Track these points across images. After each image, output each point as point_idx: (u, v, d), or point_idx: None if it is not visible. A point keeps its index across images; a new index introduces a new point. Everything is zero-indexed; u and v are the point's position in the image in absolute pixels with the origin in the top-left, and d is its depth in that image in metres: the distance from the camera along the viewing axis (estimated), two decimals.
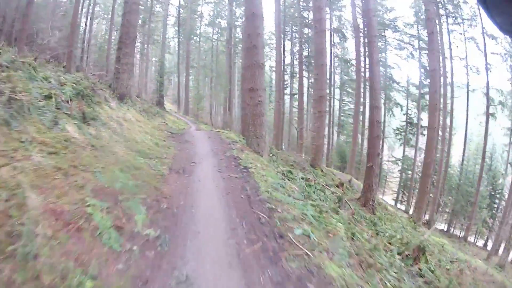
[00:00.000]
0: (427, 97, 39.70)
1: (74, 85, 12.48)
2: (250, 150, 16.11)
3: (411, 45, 48.98)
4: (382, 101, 45.93)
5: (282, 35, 47.74)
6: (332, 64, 52.01)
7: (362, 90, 45.45)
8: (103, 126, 12.04)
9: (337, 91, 55.39)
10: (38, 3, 35.60)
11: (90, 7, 45.62)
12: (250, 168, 12.33)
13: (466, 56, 41.06)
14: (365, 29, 38.02)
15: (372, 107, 21.20)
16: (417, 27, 47.06)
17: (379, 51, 32.31)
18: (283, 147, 46.31)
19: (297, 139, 39.89)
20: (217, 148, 15.69)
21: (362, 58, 45.17)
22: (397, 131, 51.00)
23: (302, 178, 16.18)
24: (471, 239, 40.68)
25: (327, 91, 34.82)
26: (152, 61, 58.50)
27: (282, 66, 46.28)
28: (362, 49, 44.01)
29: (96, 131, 10.71)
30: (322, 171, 26.14)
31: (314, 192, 15.01)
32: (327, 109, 38.39)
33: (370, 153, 20.88)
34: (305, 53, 49.74)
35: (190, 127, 33.16)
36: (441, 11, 40.09)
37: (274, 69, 56.66)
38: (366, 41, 34.00)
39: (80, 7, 39.61)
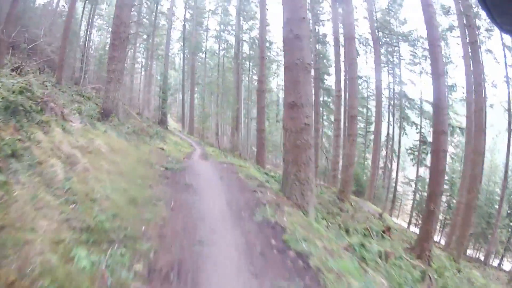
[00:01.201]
0: None
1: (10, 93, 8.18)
2: (289, 204, 9.74)
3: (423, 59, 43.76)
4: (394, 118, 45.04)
5: None
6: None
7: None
8: (29, 169, 6.22)
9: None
10: (35, 8, 34.20)
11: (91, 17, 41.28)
12: (308, 257, 6.17)
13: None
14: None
15: (437, 132, 15.29)
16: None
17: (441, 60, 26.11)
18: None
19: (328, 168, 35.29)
20: (237, 203, 9.29)
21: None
22: (410, 151, 45.03)
23: (380, 255, 9.37)
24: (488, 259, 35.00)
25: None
26: (155, 77, 51.99)
27: None
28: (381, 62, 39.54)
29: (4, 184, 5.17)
30: (351, 204, 21.99)
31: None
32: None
33: (433, 193, 15.11)
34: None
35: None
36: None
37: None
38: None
39: (80, 18, 39.13)
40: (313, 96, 38.88)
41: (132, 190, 8.53)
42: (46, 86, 19.40)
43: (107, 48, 41.24)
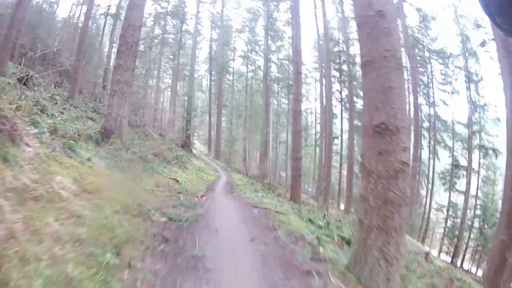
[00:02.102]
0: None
1: None
2: None
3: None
4: (426, 142, 40.40)
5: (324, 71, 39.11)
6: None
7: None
8: None
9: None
10: (54, 20, 32.65)
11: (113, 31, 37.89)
12: None
13: None
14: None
15: None
16: (465, 57, 37.61)
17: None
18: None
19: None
20: None
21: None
22: (442, 175, 41.06)
23: None
24: None
25: None
26: (181, 98, 47.93)
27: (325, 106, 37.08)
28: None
29: None
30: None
31: None
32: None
33: None
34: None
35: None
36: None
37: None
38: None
39: (101, 32, 37.52)
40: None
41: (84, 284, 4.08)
42: (56, 100, 18.13)
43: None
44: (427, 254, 17.99)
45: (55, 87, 21.84)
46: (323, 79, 39.08)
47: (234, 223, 8.86)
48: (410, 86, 34.63)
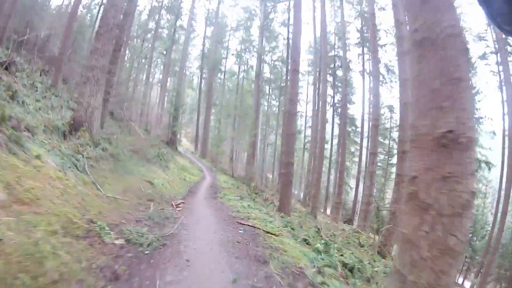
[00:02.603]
0: None
1: None
2: None
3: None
4: None
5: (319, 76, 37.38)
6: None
7: None
8: None
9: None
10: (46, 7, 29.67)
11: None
12: None
13: None
14: None
15: None
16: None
17: None
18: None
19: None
20: None
21: None
22: None
23: None
24: None
25: None
26: (170, 94, 46.05)
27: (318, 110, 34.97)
28: None
29: None
30: None
31: None
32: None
33: None
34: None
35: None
36: None
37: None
38: None
39: (94, 20, 32.51)
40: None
41: None
42: (37, 87, 16.41)
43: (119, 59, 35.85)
44: None
45: (41, 75, 19.84)
46: (318, 83, 37.38)
47: (213, 250, 6.59)
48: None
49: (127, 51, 36.41)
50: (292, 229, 11.09)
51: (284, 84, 41.28)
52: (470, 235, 34.02)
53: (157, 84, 52.49)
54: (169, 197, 11.84)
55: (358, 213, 37.54)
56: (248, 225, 9.12)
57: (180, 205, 10.67)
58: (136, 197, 9.62)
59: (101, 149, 11.75)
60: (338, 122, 40.89)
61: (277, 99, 49.59)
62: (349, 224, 32.87)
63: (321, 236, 13.15)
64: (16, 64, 16.72)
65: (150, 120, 42.29)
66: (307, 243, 9.51)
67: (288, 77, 21.45)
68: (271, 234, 8.64)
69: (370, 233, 25.39)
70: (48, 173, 7.02)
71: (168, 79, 47.66)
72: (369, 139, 38.88)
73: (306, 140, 48.84)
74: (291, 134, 18.02)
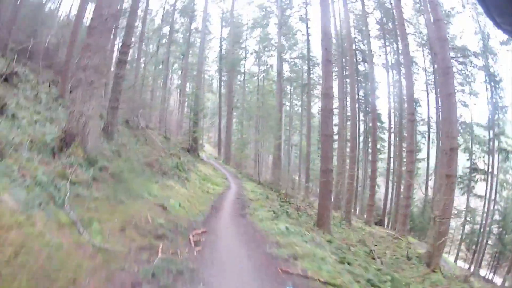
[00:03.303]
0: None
1: None
2: None
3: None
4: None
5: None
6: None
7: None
8: None
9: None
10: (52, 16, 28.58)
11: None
12: None
13: None
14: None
15: None
16: (486, 56, 33.91)
17: None
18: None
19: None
20: None
21: None
22: (459, 179, 35.21)
23: None
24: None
25: None
26: (188, 99, 43.69)
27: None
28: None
29: None
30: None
31: None
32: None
33: None
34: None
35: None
36: None
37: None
38: None
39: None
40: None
41: None
42: (41, 99, 14.79)
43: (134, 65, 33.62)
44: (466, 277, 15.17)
45: (49, 86, 18.18)
46: (341, 78, 34.70)
47: None
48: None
49: (141, 58, 34.43)
50: (349, 263, 8.31)
51: (306, 82, 39.58)
52: (500, 228, 32.21)
53: (176, 90, 51.27)
54: (187, 225, 9.14)
55: (388, 213, 36.49)
56: (298, 275, 6.28)
57: (200, 239, 7.96)
58: (139, 235, 6.88)
59: (98, 169, 9.13)
60: (363, 118, 39.30)
61: (299, 98, 47.47)
62: (380, 225, 31.64)
63: (374, 259, 10.52)
64: (19, 75, 15.14)
65: (170, 127, 40.12)
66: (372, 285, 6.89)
67: (321, 69, 18.47)
68: (332, 285, 5.82)
69: (408, 237, 23.74)
70: (4, 215, 4.41)
71: (187, 84, 45.06)
72: (396, 136, 37.21)
73: None
74: (328, 135, 15.03)
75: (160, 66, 40.45)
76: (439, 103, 27.67)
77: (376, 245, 15.76)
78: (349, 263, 8.30)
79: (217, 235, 8.96)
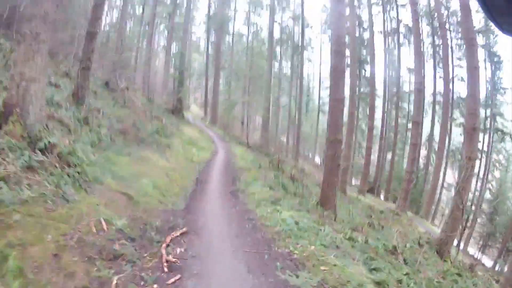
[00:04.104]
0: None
1: None
2: None
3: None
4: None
5: None
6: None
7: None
8: None
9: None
10: None
11: None
12: None
13: None
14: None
15: None
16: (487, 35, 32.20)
17: None
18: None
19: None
20: None
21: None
22: (451, 153, 35.82)
23: None
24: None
25: None
26: (173, 61, 41.52)
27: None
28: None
29: None
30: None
31: None
32: None
33: None
34: None
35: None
36: None
37: None
38: None
39: None
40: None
41: None
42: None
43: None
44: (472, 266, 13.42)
45: None
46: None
47: None
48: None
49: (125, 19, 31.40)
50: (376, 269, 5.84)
51: (300, 44, 37.74)
52: (491, 209, 31.58)
53: (162, 52, 48.00)
54: (160, 222, 6.39)
55: (379, 181, 34.74)
56: None
57: (177, 252, 5.23)
58: (83, 260, 4.12)
59: (39, 151, 6.31)
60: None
61: (288, 60, 45.02)
62: (371, 193, 30.46)
63: (394, 255, 8.07)
64: None
65: (155, 88, 37.05)
66: None
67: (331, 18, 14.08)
68: None
69: (408, 212, 22.77)
70: None
71: (173, 45, 42.22)
72: (390, 104, 35.78)
73: (321, 102, 45.42)
74: (339, 100, 11.87)
75: (147, 28, 37.30)
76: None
77: (382, 226, 13.57)
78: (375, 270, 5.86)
79: (202, 240, 6.12)
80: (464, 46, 17.72)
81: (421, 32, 28.19)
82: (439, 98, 32.22)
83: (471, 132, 13.29)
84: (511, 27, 1.01)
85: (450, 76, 28.20)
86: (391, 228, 14.13)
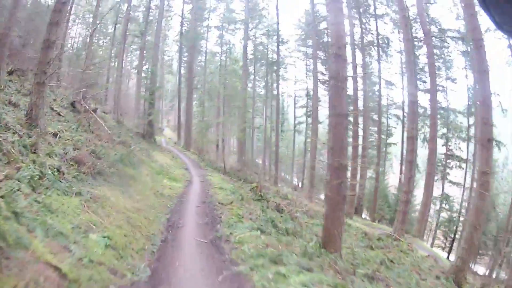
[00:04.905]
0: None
1: None
2: None
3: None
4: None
5: None
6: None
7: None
8: None
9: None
10: None
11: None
12: None
13: None
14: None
15: None
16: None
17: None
18: None
19: None
20: None
21: None
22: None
23: None
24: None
25: None
26: (147, 79, 37.84)
27: None
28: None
29: None
30: None
31: None
32: None
33: None
34: None
35: (185, 199, 13.35)
36: None
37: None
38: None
39: None
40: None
41: None
42: None
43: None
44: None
45: None
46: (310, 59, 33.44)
47: None
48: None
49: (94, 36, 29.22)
50: None
51: (275, 60, 37.07)
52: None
53: (134, 72, 45.76)
54: None
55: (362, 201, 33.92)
56: None
57: None
58: None
59: None
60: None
61: (262, 80, 43.56)
62: (357, 214, 29.71)
63: None
64: None
65: (128, 111, 35.05)
66: None
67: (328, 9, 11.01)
68: None
69: (405, 239, 19.95)
70: None
71: (145, 64, 39.25)
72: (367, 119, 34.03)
73: (296, 121, 44.01)
74: (342, 115, 9.12)
75: (119, 47, 35.17)
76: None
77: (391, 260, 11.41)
78: None
79: None
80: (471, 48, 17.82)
81: (411, 38, 26.56)
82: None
83: (485, 144, 11.93)
84: (511, 27, 0.98)
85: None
86: (402, 262, 12.23)
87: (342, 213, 9.30)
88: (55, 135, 10.66)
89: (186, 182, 16.64)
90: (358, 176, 28.80)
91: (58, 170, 8.02)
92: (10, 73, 15.21)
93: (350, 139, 28.73)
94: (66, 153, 9.45)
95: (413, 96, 21.74)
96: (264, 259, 6.68)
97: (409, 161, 20.69)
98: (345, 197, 9.27)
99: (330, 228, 9.06)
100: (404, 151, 31.34)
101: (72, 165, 9.01)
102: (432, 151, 25.20)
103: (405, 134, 30.69)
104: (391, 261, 11.27)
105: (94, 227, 6.31)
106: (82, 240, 5.59)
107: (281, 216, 12.66)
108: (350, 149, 25.51)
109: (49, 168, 7.75)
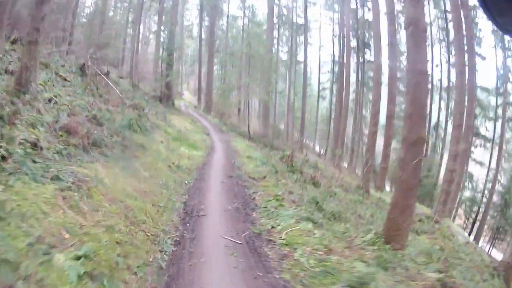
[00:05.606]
0: None
1: None
2: None
3: None
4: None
5: None
6: None
7: None
8: None
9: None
10: None
11: None
12: None
13: None
14: None
15: None
16: None
17: None
18: None
19: None
20: None
21: None
22: None
23: None
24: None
25: None
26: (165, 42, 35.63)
27: None
28: None
29: None
30: None
31: None
32: None
33: None
34: None
35: (206, 173, 10.64)
36: None
37: None
38: None
39: None
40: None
41: None
42: None
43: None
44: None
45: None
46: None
47: None
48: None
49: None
50: None
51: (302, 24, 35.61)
52: (503, 201, 29.09)
53: (153, 38, 43.69)
54: None
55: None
56: None
57: None
58: None
59: None
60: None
61: (286, 44, 41.87)
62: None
63: None
64: None
65: (146, 76, 33.00)
66: None
67: None
68: None
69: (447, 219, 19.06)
70: None
71: (164, 31, 35.92)
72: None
73: (321, 87, 42.03)
74: (422, 73, 6.43)
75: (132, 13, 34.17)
76: None
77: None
78: None
79: None
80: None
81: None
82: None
83: None
84: (511, 27, 0.96)
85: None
86: (458, 256, 9.82)
87: (414, 202, 6.67)
88: (50, 100, 8.35)
89: (208, 150, 14.44)
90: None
91: (35, 145, 5.59)
92: (13, 42, 13.43)
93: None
94: (56, 121, 7.07)
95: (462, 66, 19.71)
96: (333, 277, 4.15)
97: (455, 137, 19.23)
98: (421, 181, 6.63)
99: (398, 219, 6.41)
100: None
101: (61, 135, 6.65)
102: (469, 128, 23.08)
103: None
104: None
105: (66, 236, 3.81)
106: (40, 270, 3.09)
107: (319, 193, 10.23)
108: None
109: (22, 144, 5.32)
